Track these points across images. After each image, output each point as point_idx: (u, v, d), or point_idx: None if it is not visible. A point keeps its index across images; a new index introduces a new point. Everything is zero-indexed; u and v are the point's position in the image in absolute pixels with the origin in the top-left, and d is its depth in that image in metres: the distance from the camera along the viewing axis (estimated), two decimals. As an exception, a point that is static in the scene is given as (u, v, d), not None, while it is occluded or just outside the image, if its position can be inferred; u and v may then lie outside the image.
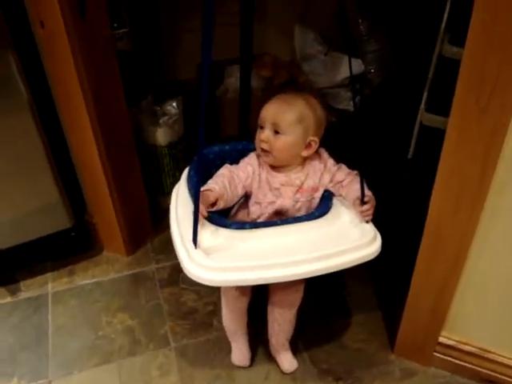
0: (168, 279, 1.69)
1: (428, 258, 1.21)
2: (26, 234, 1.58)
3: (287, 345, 1.40)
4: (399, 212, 1.83)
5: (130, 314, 1.58)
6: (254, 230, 1.10)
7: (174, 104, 1.76)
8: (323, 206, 1.18)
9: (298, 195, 1.20)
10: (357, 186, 1.14)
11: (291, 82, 2.25)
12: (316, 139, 1.17)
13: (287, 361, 1.41)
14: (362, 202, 1.12)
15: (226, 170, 1.20)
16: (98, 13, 1.39)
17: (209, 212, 1.08)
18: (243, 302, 1.33)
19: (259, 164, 1.22)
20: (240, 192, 1.21)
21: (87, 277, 1.70)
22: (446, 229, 1.14)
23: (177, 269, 1.72)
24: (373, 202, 1.13)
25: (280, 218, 1.21)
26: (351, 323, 1.54)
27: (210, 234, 1.08)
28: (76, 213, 1.65)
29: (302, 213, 1.21)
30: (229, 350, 1.45)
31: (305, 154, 1.18)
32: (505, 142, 0.98)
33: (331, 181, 1.21)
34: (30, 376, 1.42)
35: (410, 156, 2.08)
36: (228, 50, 2.18)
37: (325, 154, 1.23)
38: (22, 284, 1.68)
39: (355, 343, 1.48)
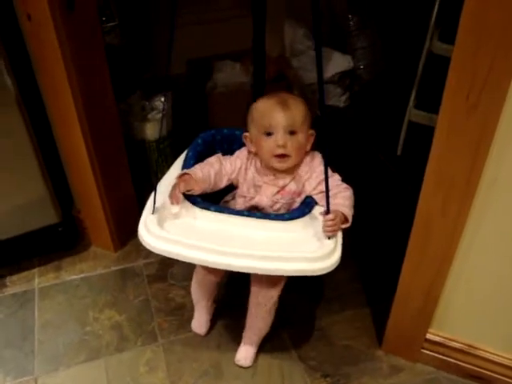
0: (156, 275, 1.68)
1: (416, 255, 1.21)
2: (13, 229, 1.57)
3: (254, 340, 1.38)
4: (388, 209, 1.83)
5: (117, 309, 1.57)
6: (217, 213, 1.12)
7: (163, 99, 1.75)
8: (297, 211, 1.15)
9: (278, 196, 1.20)
10: (340, 200, 1.12)
11: (280, 78, 2.24)
12: (313, 131, 1.19)
13: (243, 354, 1.39)
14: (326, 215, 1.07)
15: (216, 160, 1.22)
16: (87, 5, 1.37)
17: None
18: (210, 280, 1.34)
19: (248, 159, 1.24)
20: (224, 184, 1.24)
21: (74, 272, 1.69)
22: (434, 226, 1.14)
23: (165, 264, 1.71)
24: (337, 220, 1.07)
25: None
26: (340, 320, 1.53)
27: (178, 207, 1.12)
28: (63, 208, 1.63)
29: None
30: (216, 346, 1.46)
31: (308, 148, 1.20)
32: (494, 139, 0.99)
33: (315, 188, 1.18)
34: (15, 372, 1.40)
35: (398, 153, 2.09)
36: (216, 46, 2.18)
37: (317, 160, 1.21)
38: (7, 279, 1.66)
39: (343, 340, 1.48)
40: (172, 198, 1.12)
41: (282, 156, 1.15)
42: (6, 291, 1.62)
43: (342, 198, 1.13)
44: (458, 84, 0.96)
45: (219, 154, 1.25)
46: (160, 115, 1.73)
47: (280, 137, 1.14)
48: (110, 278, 1.67)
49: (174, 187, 1.12)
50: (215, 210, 1.13)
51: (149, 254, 1.75)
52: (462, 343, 1.33)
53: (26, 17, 1.31)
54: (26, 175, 1.50)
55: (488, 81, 0.93)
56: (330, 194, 1.10)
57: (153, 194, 1.15)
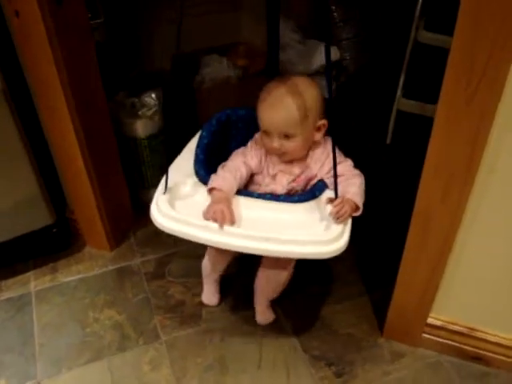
0: (154, 272, 1.67)
1: (417, 242, 1.22)
2: (7, 232, 1.54)
3: (266, 303, 1.45)
4: (383, 197, 1.85)
5: (117, 309, 1.56)
6: None
7: (153, 95, 1.73)
8: (308, 193, 1.16)
9: (294, 184, 1.20)
10: (351, 188, 1.12)
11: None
12: (324, 121, 1.16)
13: (260, 315, 1.47)
14: (332, 201, 1.09)
15: (240, 163, 1.19)
16: (75, 1, 1.35)
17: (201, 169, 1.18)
18: (222, 259, 1.39)
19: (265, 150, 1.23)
20: (247, 179, 1.23)
21: (71, 273, 1.66)
22: (434, 212, 1.15)
23: (162, 261, 1.70)
24: (345, 206, 1.07)
25: None
26: (340, 309, 1.55)
27: (190, 187, 1.16)
28: (57, 209, 1.61)
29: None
30: (220, 341, 1.46)
31: (317, 137, 1.18)
32: (492, 126, 1.00)
33: (328, 172, 1.18)
34: (17, 377, 1.38)
35: (388, 142, 2.11)
36: (203, 40, 2.17)
37: (329, 145, 1.17)
38: (2, 284, 1.63)
39: (345, 328, 1.50)
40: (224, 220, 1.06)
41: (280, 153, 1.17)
42: (2, 296, 1.60)
43: (353, 185, 1.13)
44: (457, 73, 0.96)
45: (239, 154, 1.22)
46: (151, 112, 1.72)
47: (274, 140, 1.14)
48: (108, 277, 1.66)
49: (220, 212, 1.06)
50: None
51: (145, 251, 1.75)
52: (462, 326, 1.36)
53: (14, 13, 1.28)
54: (18, 177, 1.47)
55: (487, 70, 0.93)
56: (343, 178, 1.14)
57: (165, 175, 1.17)
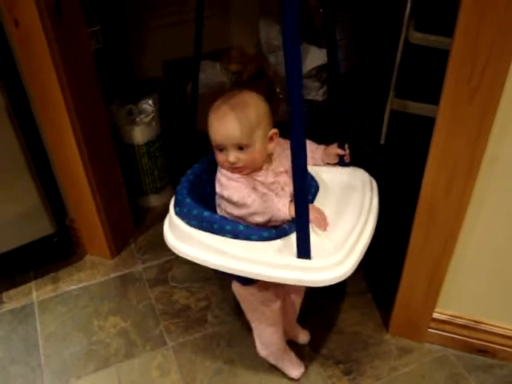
0: (156, 278, 1.67)
1: (421, 237, 1.24)
2: (7, 242, 1.53)
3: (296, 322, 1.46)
4: (381, 196, 1.85)
5: (121, 316, 1.55)
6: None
7: (150, 102, 1.73)
8: (312, 183, 1.17)
9: (284, 179, 1.15)
10: (312, 145, 1.23)
11: (260, 75, 2.26)
12: (275, 130, 1.10)
13: (302, 333, 1.48)
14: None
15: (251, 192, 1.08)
16: (73, 9, 1.35)
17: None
18: (280, 306, 1.26)
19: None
20: None
21: (73, 282, 1.66)
22: (438, 207, 1.17)
23: (164, 267, 1.70)
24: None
25: None
26: (345, 307, 1.56)
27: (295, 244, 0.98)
28: (57, 218, 1.60)
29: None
30: (227, 344, 1.46)
31: (270, 147, 1.11)
32: (495, 121, 1.02)
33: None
34: (24, 389, 1.37)
35: (382, 141, 2.13)
36: (192, 47, 2.17)
37: (283, 151, 1.14)
38: (4, 295, 1.61)
39: (351, 326, 1.51)
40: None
41: (237, 168, 1.08)
42: (4, 307, 1.58)
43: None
44: (460, 68, 0.99)
45: (246, 189, 1.08)
46: (148, 118, 1.72)
47: (230, 154, 1.06)
48: (110, 285, 1.65)
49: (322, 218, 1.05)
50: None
51: (147, 258, 1.74)
52: (467, 319, 1.37)
53: (13, 23, 1.28)
54: (18, 187, 1.46)
55: (489, 63, 0.96)
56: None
57: (251, 261, 1.00)
